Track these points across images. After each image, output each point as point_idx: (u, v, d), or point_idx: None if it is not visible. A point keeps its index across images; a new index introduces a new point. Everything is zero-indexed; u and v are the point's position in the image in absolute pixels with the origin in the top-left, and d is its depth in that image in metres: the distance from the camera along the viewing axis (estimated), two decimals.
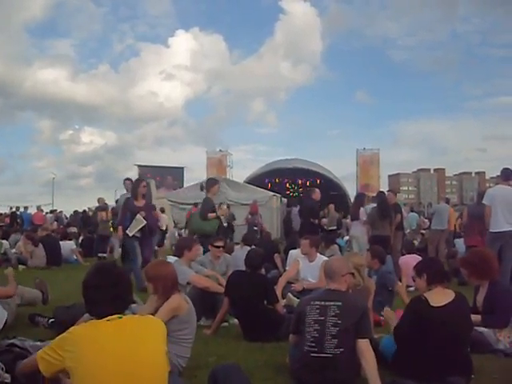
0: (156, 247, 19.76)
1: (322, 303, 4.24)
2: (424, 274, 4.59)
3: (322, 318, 4.19)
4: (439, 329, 4.19)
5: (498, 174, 9.65)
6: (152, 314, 4.31)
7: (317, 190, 12.51)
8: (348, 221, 12.17)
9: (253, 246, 9.25)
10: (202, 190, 12.93)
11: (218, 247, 7.82)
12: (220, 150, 38.47)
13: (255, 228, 20.36)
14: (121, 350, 2.60)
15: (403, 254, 10.82)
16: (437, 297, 4.38)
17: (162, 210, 20.80)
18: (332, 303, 4.23)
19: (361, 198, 12.28)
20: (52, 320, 5.82)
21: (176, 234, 20.29)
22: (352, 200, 22.15)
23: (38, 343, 4.17)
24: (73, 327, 2.81)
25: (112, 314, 2.74)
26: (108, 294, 2.80)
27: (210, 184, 10.47)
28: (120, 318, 2.75)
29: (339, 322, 4.15)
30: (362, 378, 4.33)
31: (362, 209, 11.62)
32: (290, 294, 7.15)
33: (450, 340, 4.18)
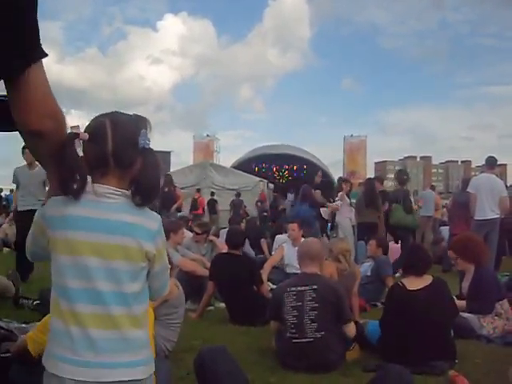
0: None
1: (298, 289, 4.28)
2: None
3: (300, 304, 4.23)
4: (417, 311, 4.24)
5: (484, 162, 9.73)
6: None
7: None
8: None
9: None
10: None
11: (198, 234, 7.74)
12: (207, 135, 38.21)
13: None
14: None
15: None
16: (413, 281, 4.44)
17: None
18: (308, 287, 4.28)
19: (345, 184, 12.27)
20: (37, 302, 5.79)
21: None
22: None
23: (24, 325, 4.15)
24: None
25: None
26: None
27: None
28: None
29: (316, 305, 4.20)
30: (348, 362, 4.38)
31: (340, 193, 11.59)
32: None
33: (431, 324, 4.21)
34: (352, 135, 36.41)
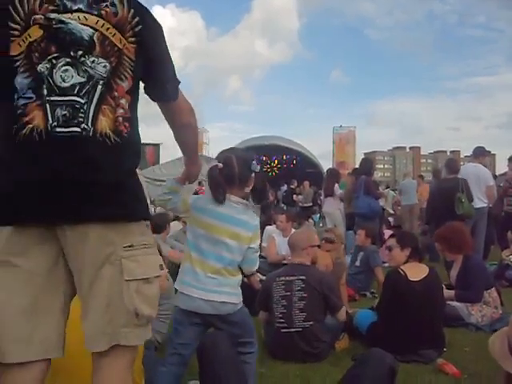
0: None
1: (287, 278, 4.29)
2: (408, 248, 4.64)
3: (289, 294, 4.25)
4: (415, 303, 4.24)
5: (472, 152, 9.77)
6: None
7: None
8: (321, 197, 12.15)
9: None
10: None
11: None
12: None
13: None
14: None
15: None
16: (413, 271, 4.44)
17: None
18: (296, 277, 4.29)
19: (334, 174, 12.28)
20: None
21: (152, 211, 20.19)
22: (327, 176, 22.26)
23: None
24: None
25: None
26: None
27: None
28: None
29: (305, 295, 4.23)
30: (337, 351, 4.40)
31: (336, 185, 11.62)
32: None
33: (426, 314, 4.23)
34: (341, 126, 36.40)
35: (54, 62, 1.86)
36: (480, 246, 8.40)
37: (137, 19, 1.97)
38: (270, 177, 28.11)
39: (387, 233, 9.47)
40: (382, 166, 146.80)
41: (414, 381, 3.68)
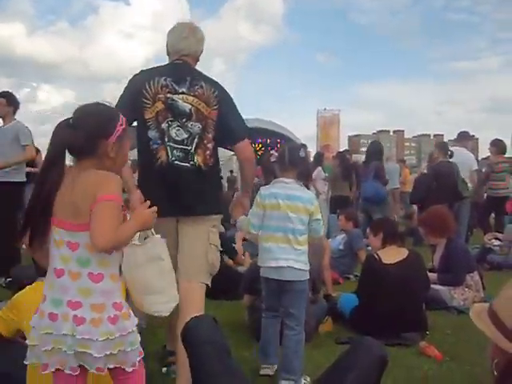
0: None
1: None
2: (380, 233, 4.67)
3: None
4: (393, 285, 4.28)
5: (455, 137, 9.80)
6: None
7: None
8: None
9: None
10: None
11: None
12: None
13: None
14: None
15: None
16: (390, 255, 4.48)
17: None
18: None
19: (319, 158, 12.26)
20: (9, 279, 5.72)
21: None
22: (312, 160, 22.21)
23: None
24: (28, 287, 2.75)
25: None
26: None
27: None
28: None
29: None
30: (320, 334, 4.42)
31: (319, 168, 11.62)
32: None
33: (405, 297, 4.26)
34: (325, 109, 36.38)
35: (170, 123, 3.21)
36: (463, 230, 8.46)
37: (216, 93, 3.28)
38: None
39: None
40: (365, 149, 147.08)
41: (397, 363, 3.70)
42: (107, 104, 2.24)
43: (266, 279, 3.52)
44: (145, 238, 2.44)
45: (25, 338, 2.55)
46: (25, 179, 6.63)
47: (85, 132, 2.03)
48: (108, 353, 1.96)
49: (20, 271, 5.62)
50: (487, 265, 7.63)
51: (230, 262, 6.62)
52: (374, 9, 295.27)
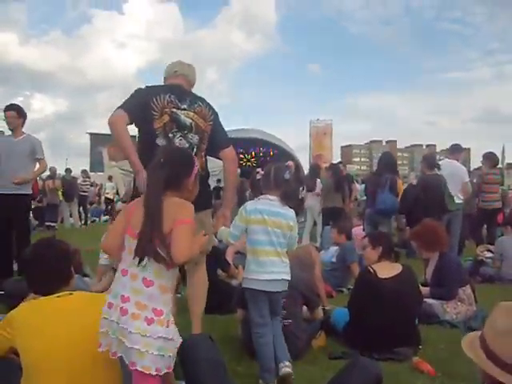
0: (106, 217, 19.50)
1: None
2: (379, 248, 4.67)
3: None
4: (387, 300, 4.27)
5: (448, 147, 9.86)
6: (108, 288, 4.31)
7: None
8: (303, 192, 12.19)
9: None
10: None
11: None
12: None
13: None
14: (73, 327, 2.54)
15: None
16: (384, 269, 4.47)
17: (110, 178, 20.69)
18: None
19: (316, 170, 12.32)
20: (1, 292, 5.69)
21: None
22: (306, 171, 22.25)
23: None
24: (22, 304, 2.75)
25: (56, 291, 2.72)
26: (47, 269, 2.82)
27: None
28: (71, 294, 2.71)
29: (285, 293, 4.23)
30: (314, 349, 4.41)
31: (318, 180, 11.68)
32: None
33: (399, 312, 4.26)
34: (318, 119, 36.57)
35: (174, 133, 3.92)
36: (455, 242, 8.50)
37: (210, 112, 4.13)
38: (247, 170, 27.99)
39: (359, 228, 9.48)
40: (358, 160, 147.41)
41: (390, 379, 3.69)
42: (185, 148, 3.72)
43: (254, 291, 3.62)
44: None
45: (17, 355, 2.56)
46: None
47: (175, 172, 2.63)
48: (137, 347, 2.32)
49: (12, 285, 5.60)
50: (479, 277, 7.67)
51: (223, 274, 6.61)
52: (366, 19, 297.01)
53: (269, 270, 3.56)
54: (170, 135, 3.88)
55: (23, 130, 6.79)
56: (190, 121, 3.97)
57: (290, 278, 3.67)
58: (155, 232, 2.43)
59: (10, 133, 6.78)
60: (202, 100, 4.13)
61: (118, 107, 3.78)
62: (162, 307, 2.43)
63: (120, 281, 2.49)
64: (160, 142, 3.83)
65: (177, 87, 4.06)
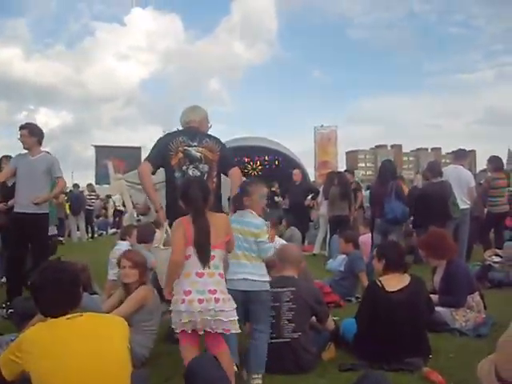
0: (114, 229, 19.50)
1: (275, 290, 4.28)
2: (383, 259, 4.63)
3: (277, 304, 4.28)
4: (396, 313, 4.25)
5: (454, 149, 9.85)
6: (117, 305, 4.45)
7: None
8: (319, 199, 12.08)
9: None
10: None
11: None
12: (177, 129, 37.72)
13: None
14: (83, 349, 2.54)
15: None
16: (392, 281, 4.44)
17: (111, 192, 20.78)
18: (285, 289, 4.33)
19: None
20: (11, 311, 5.70)
21: (135, 216, 20.07)
22: (310, 177, 22.27)
23: None
24: (31, 327, 2.74)
25: (65, 313, 2.70)
26: (58, 294, 2.75)
27: None
28: (81, 315, 2.70)
29: (293, 306, 4.28)
30: (324, 361, 4.40)
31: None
32: None
33: (408, 323, 4.25)
34: (322, 125, 36.48)
35: (188, 166, 4.87)
36: (463, 247, 8.47)
37: (217, 145, 5.02)
38: (253, 178, 27.94)
39: (369, 236, 9.44)
40: (363, 165, 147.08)
41: None
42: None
43: (229, 290, 3.78)
44: (164, 244, 4.59)
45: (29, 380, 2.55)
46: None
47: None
48: (232, 319, 3.49)
49: (21, 304, 5.59)
50: (488, 283, 7.61)
51: None
52: (369, 24, 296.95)
53: (233, 270, 3.96)
54: (184, 167, 4.85)
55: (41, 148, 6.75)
56: (200, 154, 4.91)
57: (256, 279, 3.96)
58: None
59: (26, 151, 6.69)
60: (210, 136, 5.09)
61: (145, 159, 5.05)
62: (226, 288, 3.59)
63: (198, 281, 3.45)
64: (177, 174, 4.84)
65: (188, 130, 5.11)
